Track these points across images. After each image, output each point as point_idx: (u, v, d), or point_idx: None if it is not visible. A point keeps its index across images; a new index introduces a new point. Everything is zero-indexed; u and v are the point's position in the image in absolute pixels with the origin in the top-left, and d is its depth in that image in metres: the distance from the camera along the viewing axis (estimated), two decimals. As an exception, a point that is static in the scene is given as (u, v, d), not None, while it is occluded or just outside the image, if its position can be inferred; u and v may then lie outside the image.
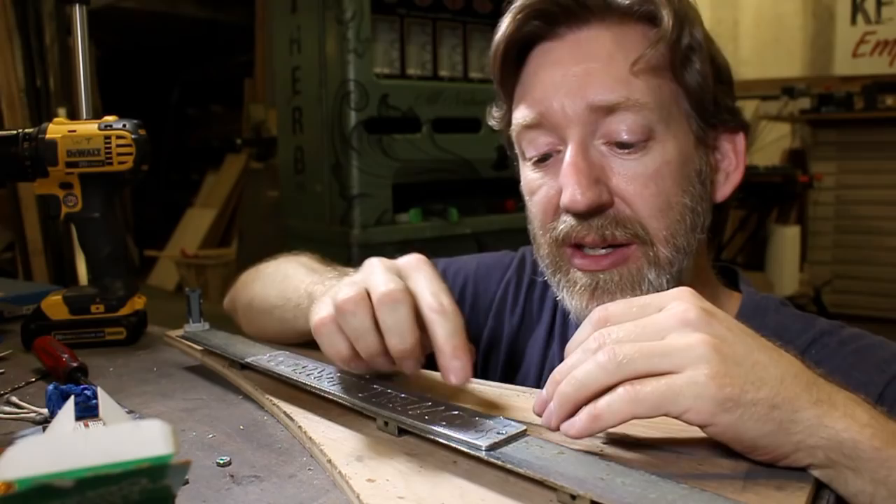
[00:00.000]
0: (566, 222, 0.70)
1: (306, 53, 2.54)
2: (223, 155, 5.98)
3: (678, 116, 0.70)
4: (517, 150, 0.76)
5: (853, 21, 4.69)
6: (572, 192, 0.67)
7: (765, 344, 0.47)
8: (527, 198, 0.76)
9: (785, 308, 0.76)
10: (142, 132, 0.98)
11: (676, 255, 0.70)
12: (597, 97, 0.67)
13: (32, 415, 0.69)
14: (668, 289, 0.68)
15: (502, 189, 2.80)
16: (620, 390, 0.45)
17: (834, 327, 0.73)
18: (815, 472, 0.46)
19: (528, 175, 0.74)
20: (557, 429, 0.48)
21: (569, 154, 0.68)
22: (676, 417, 0.44)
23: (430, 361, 0.71)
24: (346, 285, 0.55)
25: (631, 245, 0.69)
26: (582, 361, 0.47)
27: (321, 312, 0.56)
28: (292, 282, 0.76)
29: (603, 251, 0.70)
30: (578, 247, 0.71)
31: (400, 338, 0.52)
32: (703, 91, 0.70)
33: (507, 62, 0.74)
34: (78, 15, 1.22)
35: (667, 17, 0.67)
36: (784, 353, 0.48)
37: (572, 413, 0.47)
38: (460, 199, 2.70)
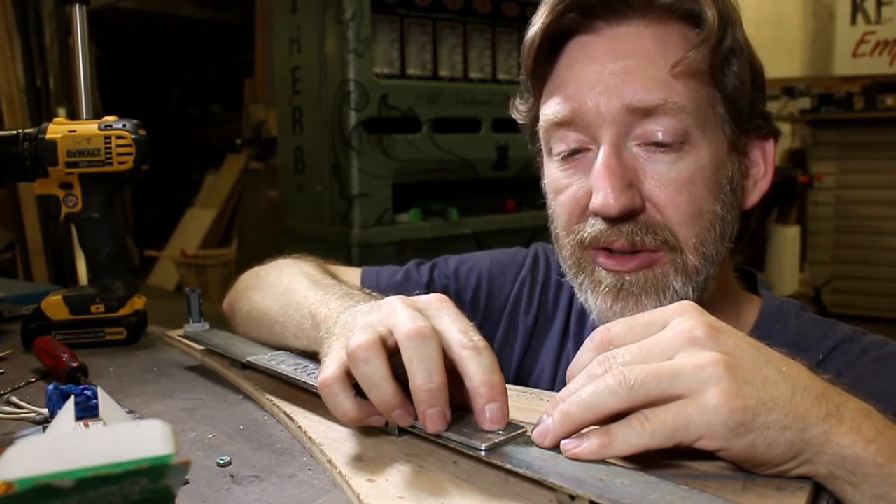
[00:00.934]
0: (594, 225, 0.68)
1: (306, 53, 2.54)
2: (223, 155, 5.98)
3: (713, 121, 0.68)
4: (542, 146, 0.74)
5: (853, 21, 4.69)
6: (604, 195, 0.65)
7: (772, 356, 0.47)
8: (550, 196, 0.74)
9: (805, 313, 0.75)
10: (142, 132, 0.98)
11: (704, 264, 0.68)
12: (634, 98, 0.65)
13: (32, 415, 0.69)
14: (693, 297, 0.67)
15: (502, 189, 2.80)
16: (634, 422, 0.44)
17: (856, 334, 0.71)
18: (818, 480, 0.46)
19: (554, 173, 0.72)
20: (551, 445, 0.47)
21: (602, 155, 0.66)
22: (689, 445, 0.44)
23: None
24: (360, 329, 0.51)
25: (659, 251, 0.67)
26: (587, 385, 0.46)
27: (327, 369, 0.52)
28: (294, 297, 0.71)
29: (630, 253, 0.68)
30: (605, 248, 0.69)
31: (427, 376, 0.48)
32: (739, 95, 0.68)
33: (541, 54, 0.71)
34: (78, 15, 1.23)
35: (711, 18, 0.65)
36: (792, 362, 0.47)
37: (572, 433, 0.46)
38: (460, 199, 2.69)
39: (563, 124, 0.69)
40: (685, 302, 0.49)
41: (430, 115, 2.56)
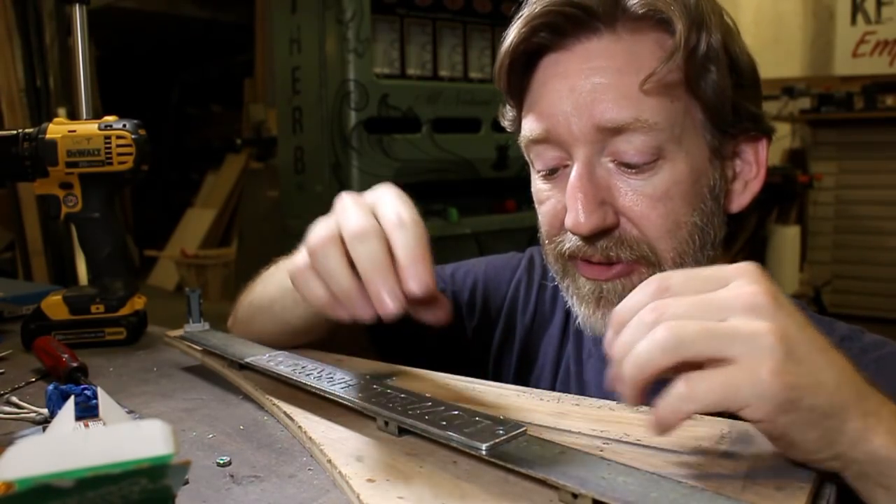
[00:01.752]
0: (572, 240, 0.68)
1: (306, 53, 2.54)
2: (223, 155, 5.98)
3: (691, 130, 0.67)
4: (527, 158, 0.75)
5: (853, 21, 4.70)
6: (576, 215, 0.65)
7: (823, 341, 0.46)
8: (536, 206, 0.74)
9: (804, 311, 0.75)
10: (142, 132, 0.98)
11: None
12: (604, 117, 0.64)
13: (32, 415, 0.69)
14: None
15: (502, 189, 2.80)
16: (681, 388, 0.42)
17: (854, 332, 0.71)
18: (846, 480, 0.45)
19: (538, 185, 0.73)
20: (637, 403, 0.45)
21: (573, 175, 0.66)
22: (733, 412, 0.43)
23: (424, 363, 0.71)
24: (317, 228, 0.54)
25: (636, 264, 0.67)
26: (638, 335, 0.44)
27: (296, 261, 0.55)
28: (280, 271, 0.74)
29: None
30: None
31: (371, 261, 0.50)
32: (719, 101, 0.66)
33: (513, 74, 0.71)
34: (78, 15, 1.23)
35: (680, 29, 0.63)
36: (838, 354, 0.46)
37: (643, 393, 0.45)
38: (460, 199, 2.69)
39: (538, 141, 0.69)
40: (750, 263, 0.47)
41: (430, 115, 2.56)
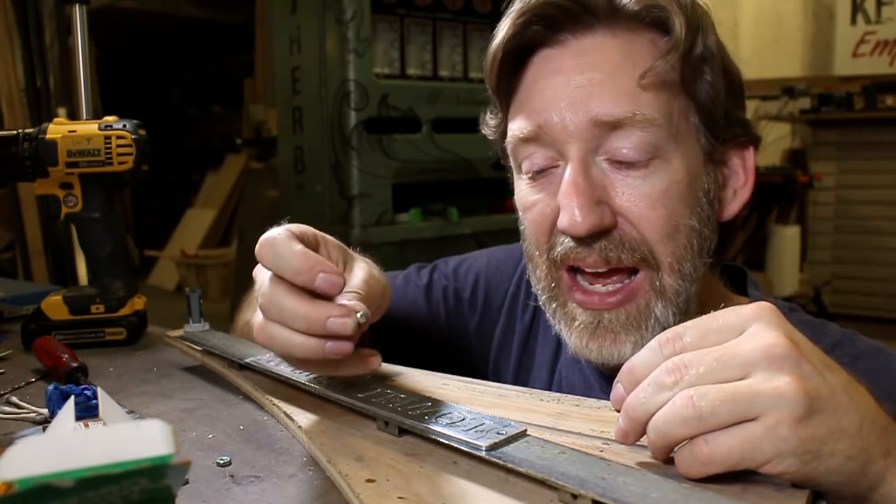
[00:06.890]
0: (564, 243, 0.66)
1: (306, 53, 2.54)
2: (223, 155, 5.99)
3: (686, 132, 0.66)
4: (512, 163, 0.72)
5: (853, 21, 4.69)
6: (571, 215, 0.62)
7: (844, 379, 0.45)
8: (521, 213, 0.72)
9: (794, 314, 0.72)
10: (142, 132, 0.98)
11: (683, 284, 0.66)
12: (601, 111, 0.63)
13: (32, 415, 0.69)
14: (674, 322, 0.64)
15: (502, 189, 2.79)
16: (702, 449, 0.42)
17: (846, 337, 0.69)
18: None
19: (523, 189, 0.70)
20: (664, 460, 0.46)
21: (568, 172, 0.64)
22: (753, 469, 0.43)
23: (427, 362, 0.71)
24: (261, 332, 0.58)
25: (637, 273, 0.65)
26: (656, 397, 0.44)
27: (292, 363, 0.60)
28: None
29: (605, 288, 0.66)
30: (575, 270, 0.67)
31: (294, 318, 0.53)
32: (714, 105, 0.66)
33: (504, 69, 0.69)
34: (78, 15, 1.22)
35: (679, 26, 0.63)
36: (859, 386, 0.46)
37: (667, 454, 0.45)
38: (460, 199, 2.69)
39: (528, 140, 0.67)
40: (763, 304, 0.46)
41: (430, 115, 2.56)
